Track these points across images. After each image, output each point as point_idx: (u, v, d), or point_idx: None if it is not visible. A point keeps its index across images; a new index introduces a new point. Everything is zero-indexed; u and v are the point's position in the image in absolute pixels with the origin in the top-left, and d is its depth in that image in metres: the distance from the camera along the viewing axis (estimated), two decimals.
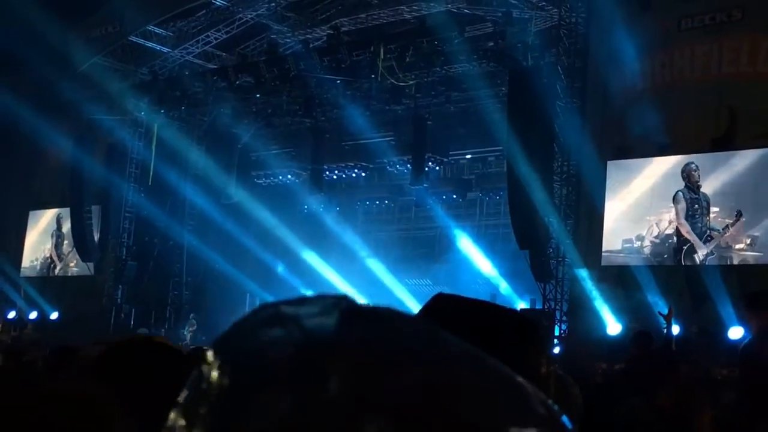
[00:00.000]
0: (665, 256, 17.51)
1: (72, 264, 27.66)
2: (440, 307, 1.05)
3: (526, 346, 1.02)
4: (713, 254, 16.85)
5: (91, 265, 26.73)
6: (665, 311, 11.71)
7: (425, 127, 22.22)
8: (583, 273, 17.88)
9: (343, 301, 0.68)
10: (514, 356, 0.94)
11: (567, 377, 3.99)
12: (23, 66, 24.54)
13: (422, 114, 22.20)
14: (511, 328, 1.02)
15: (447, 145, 23.53)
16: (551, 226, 18.42)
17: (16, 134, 27.61)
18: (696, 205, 17.17)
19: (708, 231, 16.97)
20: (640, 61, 17.64)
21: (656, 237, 17.68)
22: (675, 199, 17.42)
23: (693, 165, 17.17)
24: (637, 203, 17.99)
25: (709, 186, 17.06)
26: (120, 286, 25.90)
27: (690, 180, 17.21)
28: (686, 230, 17.21)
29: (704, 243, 16.95)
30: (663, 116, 16.97)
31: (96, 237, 26.48)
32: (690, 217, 17.20)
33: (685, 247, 17.18)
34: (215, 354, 0.69)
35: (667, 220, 17.56)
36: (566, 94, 18.81)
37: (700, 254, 16.98)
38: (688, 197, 17.26)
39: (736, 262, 16.62)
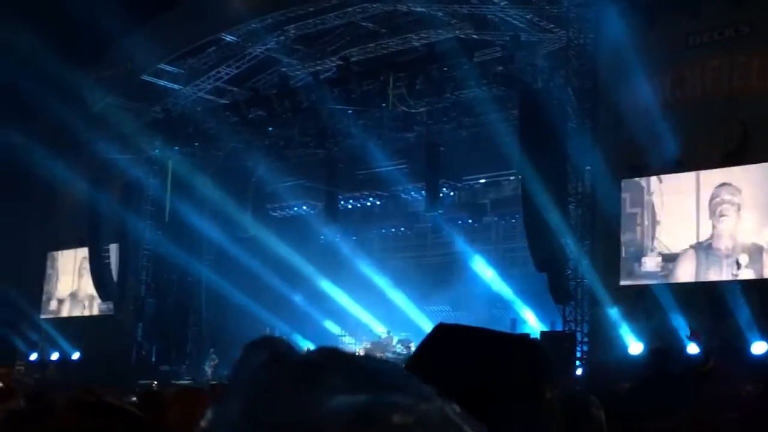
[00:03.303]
0: (682, 273, 17.38)
1: (92, 303, 27.74)
2: (441, 337, 1.07)
3: (529, 371, 1.03)
4: (722, 266, 16.73)
5: (110, 303, 26.80)
6: (689, 333, 11.63)
7: (438, 153, 22.26)
8: (602, 294, 17.79)
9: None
10: (517, 382, 0.95)
11: (591, 398, 3.97)
12: (37, 108, 24.77)
13: (434, 140, 22.25)
14: (512, 354, 1.04)
15: (460, 171, 23.56)
16: (568, 248, 18.36)
17: (32, 176, 27.83)
18: (714, 222, 17.07)
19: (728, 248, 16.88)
20: (650, 78, 17.64)
21: (672, 255, 17.57)
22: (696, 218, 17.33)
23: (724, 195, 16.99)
24: (654, 221, 17.93)
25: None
26: (140, 324, 25.94)
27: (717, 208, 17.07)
28: (706, 246, 17.11)
29: (723, 260, 16.83)
30: (675, 133, 16.94)
31: (115, 276, 26.56)
32: (708, 234, 17.10)
33: (704, 264, 17.06)
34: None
35: (684, 237, 17.46)
36: (577, 115, 18.83)
37: (718, 271, 16.84)
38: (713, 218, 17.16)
39: (754, 276, 16.48)
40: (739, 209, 16.70)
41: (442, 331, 1.08)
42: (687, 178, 17.45)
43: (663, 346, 12.06)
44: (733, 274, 16.58)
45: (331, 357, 0.83)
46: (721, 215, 16.91)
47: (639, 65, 17.48)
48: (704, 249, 17.05)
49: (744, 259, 16.49)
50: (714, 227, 17.04)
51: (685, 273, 17.28)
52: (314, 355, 0.83)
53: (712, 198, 17.03)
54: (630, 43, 17.53)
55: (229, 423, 0.79)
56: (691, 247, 17.22)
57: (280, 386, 0.79)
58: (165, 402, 4.93)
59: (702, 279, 17.04)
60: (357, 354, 0.84)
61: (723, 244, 16.84)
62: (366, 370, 0.80)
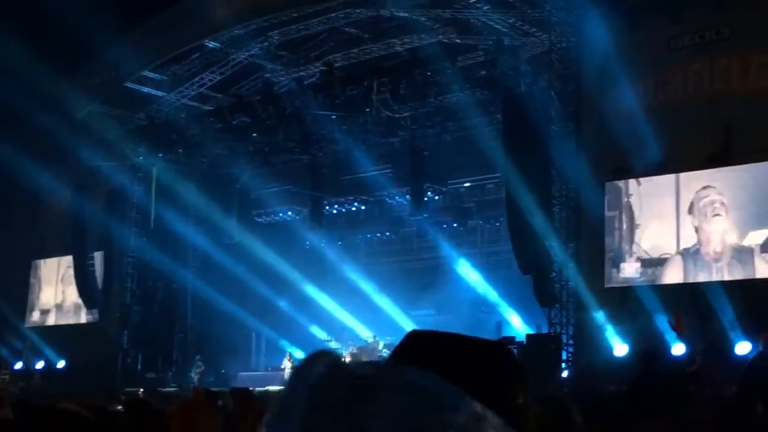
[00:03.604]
0: (666, 274, 17.45)
1: (78, 312, 27.60)
2: (413, 345, 1.09)
3: (499, 376, 1.05)
4: (712, 271, 16.81)
5: (95, 311, 26.69)
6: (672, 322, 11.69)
7: (422, 157, 22.29)
8: (587, 296, 17.85)
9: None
10: (488, 387, 0.97)
11: (570, 403, 3.99)
12: (21, 117, 24.68)
13: (419, 145, 22.28)
14: (483, 360, 1.06)
15: (445, 175, 23.58)
16: (553, 250, 18.42)
17: (16, 185, 27.74)
18: (702, 225, 17.11)
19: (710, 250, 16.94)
20: (632, 81, 17.73)
21: (656, 255, 17.63)
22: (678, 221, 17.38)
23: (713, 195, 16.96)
24: (632, 225, 17.99)
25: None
26: (125, 332, 25.83)
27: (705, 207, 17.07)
28: (689, 248, 17.17)
29: (712, 264, 16.88)
30: (658, 135, 17.03)
31: (100, 283, 26.46)
32: (695, 239, 17.14)
33: (692, 271, 17.10)
34: None
35: (664, 241, 17.52)
36: (560, 118, 18.90)
37: (707, 276, 16.88)
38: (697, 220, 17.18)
39: (735, 277, 16.56)
40: (727, 210, 16.79)
41: (415, 337, 1.10)
42: (666, 179, 17.54)
43: (649, 348, 12.10)
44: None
45: (387, 373, 0.85)
46: (714, 214, 16.93)
47: (622, 68, 17.57)
48: (691, 255, 17.11)
49: (732, 274, 16.58)
50: (700, 230, 17.06)
51: (673, 278, 17.33)
52: (371, 371, 0.85)
53: (699, 199, 17.07)
54: (613, 47, 17.62)
55: None
56: (678, 253, 17.27)
57: (337, 400, 0.82)
58: (168, 416, 4.96)
59: (691, 281, 17.11)
60: (413, 370, 0.86)
61: (711, 248, 16.88)
62: (421, 388, 0.82)
